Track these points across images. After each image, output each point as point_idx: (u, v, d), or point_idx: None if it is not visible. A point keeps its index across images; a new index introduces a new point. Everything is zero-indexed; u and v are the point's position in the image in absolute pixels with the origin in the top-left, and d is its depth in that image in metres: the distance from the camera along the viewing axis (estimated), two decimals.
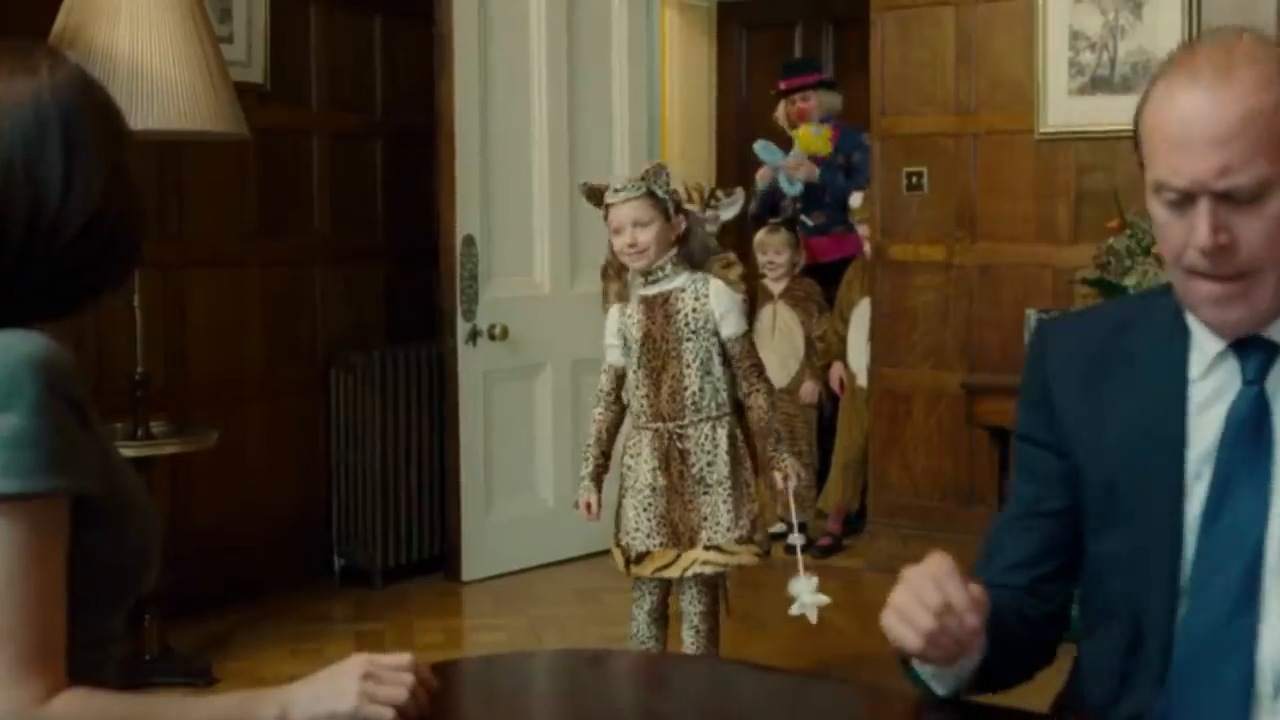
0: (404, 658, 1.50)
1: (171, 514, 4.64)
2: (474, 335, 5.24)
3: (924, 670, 1.62)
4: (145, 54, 3.76)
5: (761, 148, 6.17)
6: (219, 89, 3.93)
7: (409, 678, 1.48)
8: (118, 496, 1.46)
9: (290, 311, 5.14)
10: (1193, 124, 1.47)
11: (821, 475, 5.87)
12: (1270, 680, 1.51)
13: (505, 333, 5.29)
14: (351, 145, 5.43)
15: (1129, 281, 4.42)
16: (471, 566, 5.26)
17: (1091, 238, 4.81)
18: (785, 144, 6.23)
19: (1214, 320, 1.55)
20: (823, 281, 6.00)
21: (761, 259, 5.92)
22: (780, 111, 6.30)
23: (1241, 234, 1.48)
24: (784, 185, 6.12)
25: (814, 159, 6.11)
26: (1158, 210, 1.54)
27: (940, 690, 1.64)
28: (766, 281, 5.87)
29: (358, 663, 1.49)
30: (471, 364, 5.24)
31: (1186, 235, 1.50)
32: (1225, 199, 1.47)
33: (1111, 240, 4.54)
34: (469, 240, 5.20)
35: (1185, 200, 1.49)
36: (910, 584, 1.53)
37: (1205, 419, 1.58)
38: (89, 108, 1.47)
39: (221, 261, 4.96)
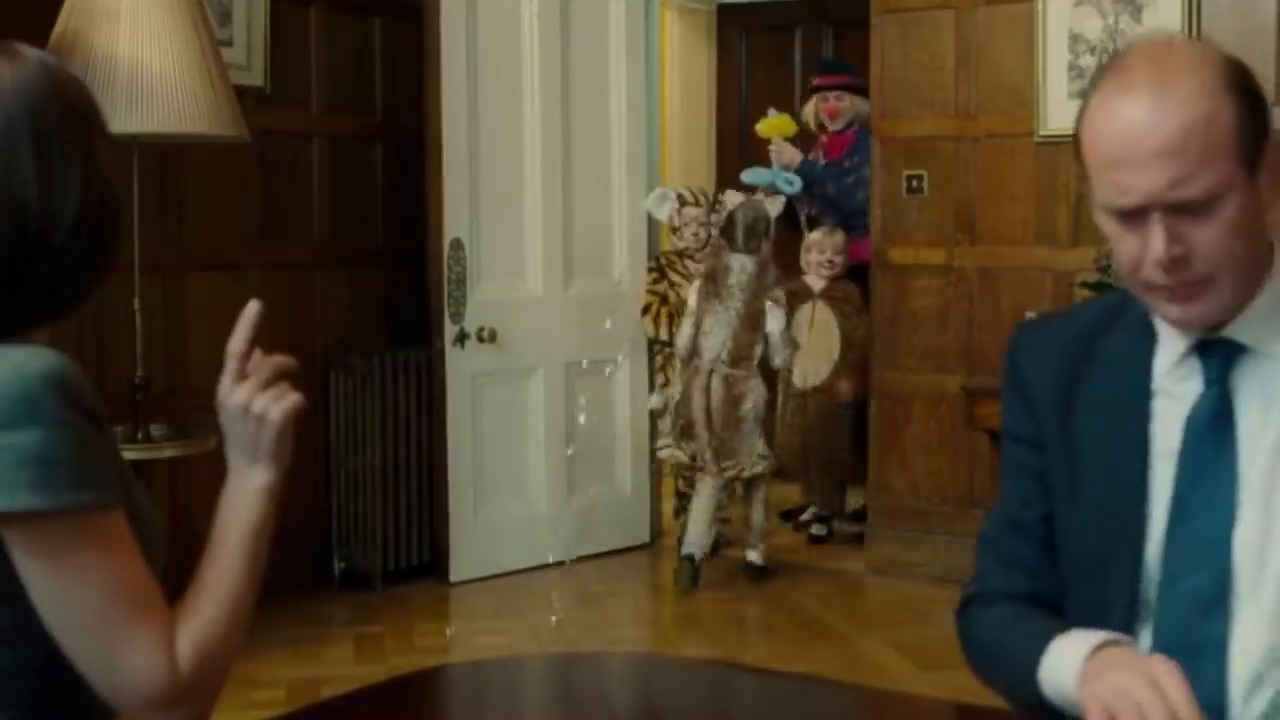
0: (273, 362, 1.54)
1: (171, 517, 4.64)
2: (461, 337, 5.23)
3: None
4: (145, 57, 3.76)
5: (747, 175, 6.15)
6: (219, 92, 3.93)
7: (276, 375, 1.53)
8: (128, 503, 1.46)
9: (290, 314, 5.14)
10: (1134, 140, 1.46)
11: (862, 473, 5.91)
12: (1241, 682, 1.51)
13: (493, 335, 5.28)
14: (351, 148, 5.43)
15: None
16: (460, 568, 5.25)
17: (1091, 241, 4.80)
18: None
19: (1178, 319, 1.55)
20: None
21: (819, 257, 5.89)
22: (810, 109, 6.29)
23: (1196, 243, 1.47)
24: (783, 188, 6.11)
25: (831, 165, 6.14)
26: (1107, 225, 1.53)
27: None
28: (808, 278, 5.87)
29: (236, 403, 1.52)
30: (460, 366, 5.23)
31: (1141, 250, 1.50)
32: (1176, 210, 1.46)
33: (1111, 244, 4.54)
34: (456, 243, 5.20)
35: (1135, 215, 1.49)
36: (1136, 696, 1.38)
37: (1168, 420, 1.58)
38: (55, 102, 1.43)
39: (221, 264, 4.96)
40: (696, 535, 5.21)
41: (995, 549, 1.74)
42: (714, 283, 5.15)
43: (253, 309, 1.52)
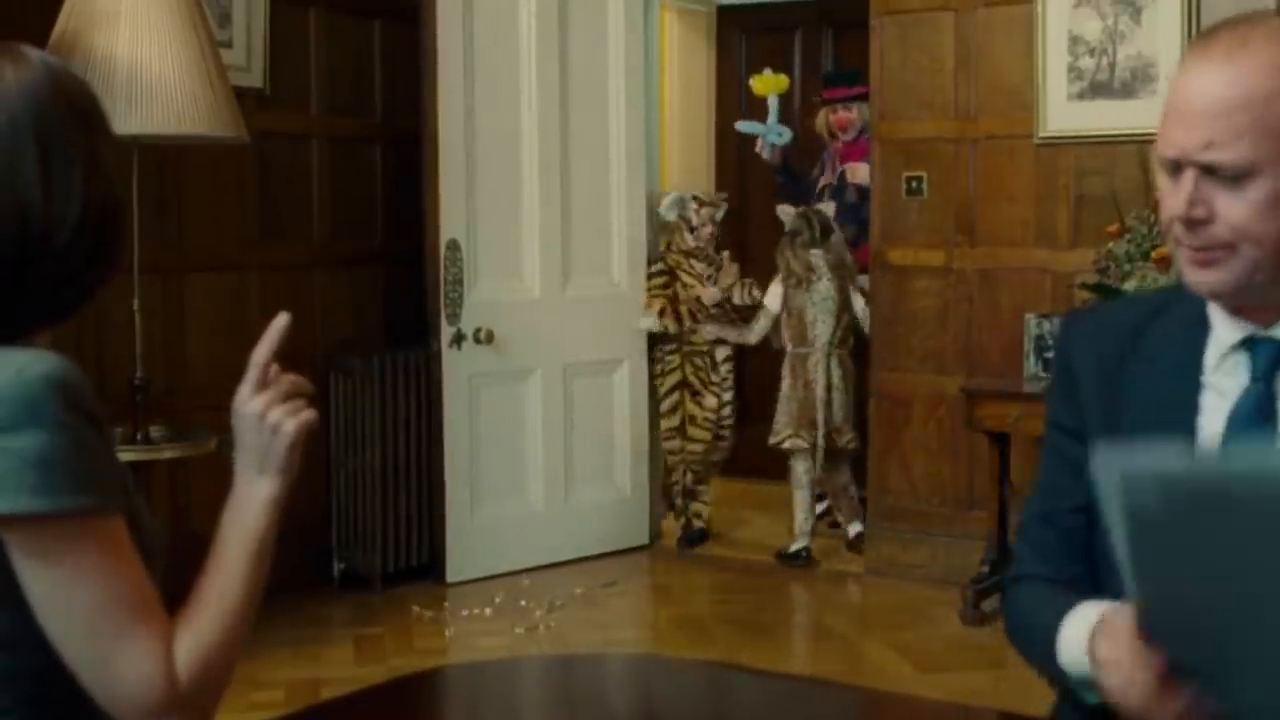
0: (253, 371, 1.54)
1: (170, 519, 4.63)
2: (458, 339, 5.23)
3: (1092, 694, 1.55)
4: (145, 58, 3.76)
5: (743, 126, 6.36)
6: (218, 93, 3.93)
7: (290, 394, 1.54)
8: (127, 511, 1.46)
9: (289, 316, 5.13)
10: (1189, 97, 1.49)
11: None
12: None
13: (490, 336, 5.28)
14: (351, 149, 5.43)
15: (1128, 286, 4.42)
16: (457, 569, 5.25)
17: (1091, 242, 4.81)
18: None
19: (1194, 284, 1.56)
20: None
21: None
22: (820, 121, 6.31)
23: (1221, 211, 1.49)
24: (774, 139, 6.23)
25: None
26: (1160, 179, 1.57)
27: (1090, 699, 1.57)
28: None
29: (252, 412, 1.52)
30: (457, 367, 5.23)
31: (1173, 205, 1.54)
32: (1210, 173, 1.48)
33: (1111, 245, 4.55)
34: (453, 244, 5.20)
35: (1176, 170, 1.51)
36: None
37: (1215, 415, 1.58)
38: (59, 103, 1.43)
39: (221, 266, 4.96)
40: (810, 526, 5.71)
41: (1027, 536, 1.76)
42: (796, 277, 5.71)
43: (282, 320, 1.53)
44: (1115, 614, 1.46)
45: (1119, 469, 1.18)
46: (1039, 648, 1.62)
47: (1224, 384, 1.58)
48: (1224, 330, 1.59)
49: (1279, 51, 1.47)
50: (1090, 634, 1.50)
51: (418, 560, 5.29)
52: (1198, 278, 1.54)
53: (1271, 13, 1.57)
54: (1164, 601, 1.29)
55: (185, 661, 1.39)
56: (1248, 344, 1.57)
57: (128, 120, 3.71)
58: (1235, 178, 1.47)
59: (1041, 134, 5.03)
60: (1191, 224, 1.50)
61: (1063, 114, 4.98)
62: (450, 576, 5.23)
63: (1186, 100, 1.50)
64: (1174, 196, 1.52)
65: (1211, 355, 1.59)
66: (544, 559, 5.47)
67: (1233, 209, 1.48)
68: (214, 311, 4.91)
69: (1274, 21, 1.52)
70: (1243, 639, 1.22)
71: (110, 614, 1.36)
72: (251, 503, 1.51)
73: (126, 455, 3.95)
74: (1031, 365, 4.85)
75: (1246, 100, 1.46)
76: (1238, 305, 1.56)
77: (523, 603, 5.01)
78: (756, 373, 7.31)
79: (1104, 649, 1.45)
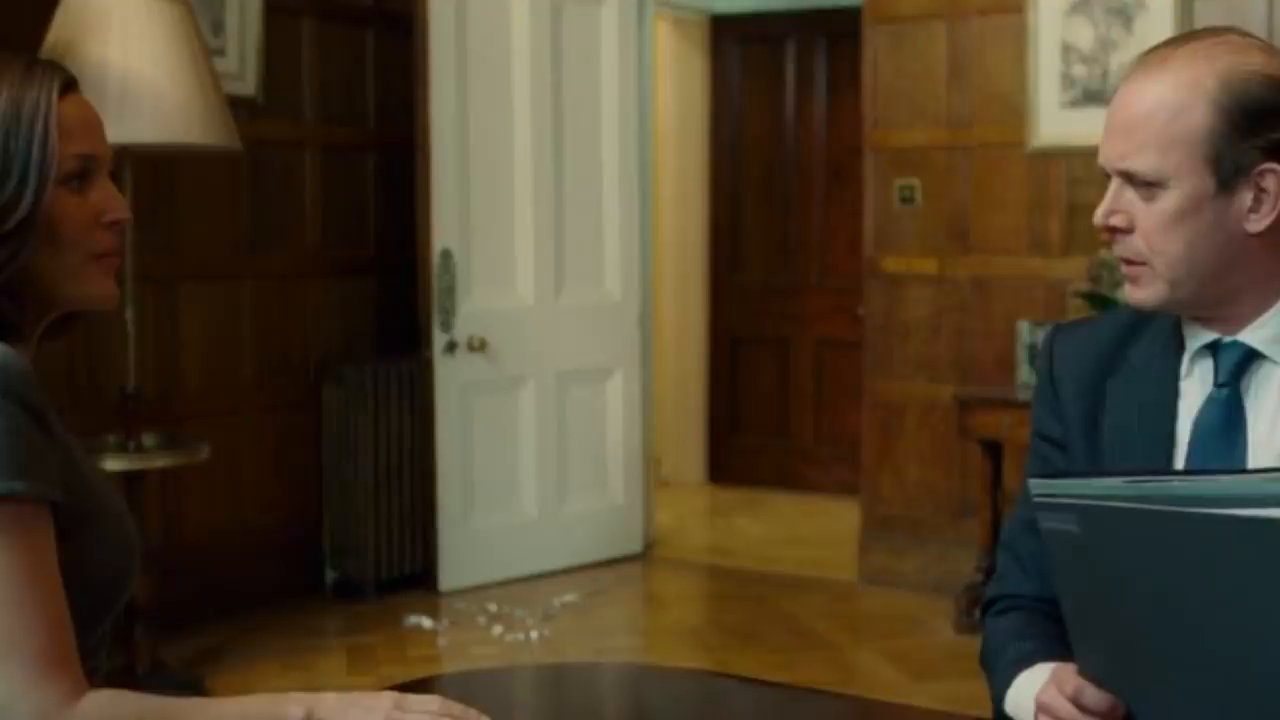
0: (432, 700, 1.47)
1: (162, 527, 4.63)
2: (451, 347, 5.23)
3: None
4: (137, 67, 3.76)
5: None
6: (211, 102, 3.93)
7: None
8: (86, 507, 1.44)
9: (282, 324, 5.13)
10: (1114, 110, 1.57)
11: None
12: None
13: (483, 345, 5.29)
14: (344, 158, 5.43)
15: (1120, 294, 4.43)
16: (450, 577, 5.25)
17: (1083, 251, 4.82)
18: None
19: (1128, 298, 1.62)
20: None
21: None
22: None
23: (1138, 220, 1.55)
24: None
25: None
26: None
27: None
28: None
29: (389, 694, 1.46)
30: (449, 376, 5.23)
31: None
32: (1129, 181, 1.55)
33: (1103, 253, 4.55)
34: (446, 253, 5.21)
35: (1108, 180, 1.59)
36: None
37: (1187, 420, 1.60)
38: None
39: (213, 274, 4.96)
40: None
41: (1012, 550, 1.75)
42: None
43: None
44: (1064, 668, 1.48)
45: (1040, 495, 1.24)
46: (993, 689, 1.69)
47: (1192, 390, 1.61)
48: (1192, 335, 1.62)
49: (1195, 69, 1.52)
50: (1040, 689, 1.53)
51: (411, 569, 5.29)
52: (1128, 293, 1.61)
53: (1225, 29, 1.59)
54: (1090, 626, 1.32)
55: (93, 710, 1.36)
56: (1213, 349, 1.59)
57: (120, 129, 3.70)
58: (1148, 188, 1.53)
59: (1034, 142, 5.04)
60: (1113, 233, 1.57)
61: (1055, 122, 4.99)
62: (443, 585, 5.23)
63: (1112, 113, 1.57)
64: (1100, 206, 1.58)
65: (1184, 363, 1.62)
66: (537, 567, 5.46)
67: (1145, 219, 1.55)
68: (207, 320, 4.91)
69: (1203, 42, 1.56)
70: (1160, 659, 1.25)
71: (7, 610, 1.34)
72: (275, 707, 1.44)
73: (118, 464, 3.95)
74: (1024, 373, 4.85)
75: (1156, 113, 1.52)
76: (1199, 315, 1.59)
77: (516, 611, 5.00)
78: (750, 374, 7.32)
79: (1042, 693, 1.48)
